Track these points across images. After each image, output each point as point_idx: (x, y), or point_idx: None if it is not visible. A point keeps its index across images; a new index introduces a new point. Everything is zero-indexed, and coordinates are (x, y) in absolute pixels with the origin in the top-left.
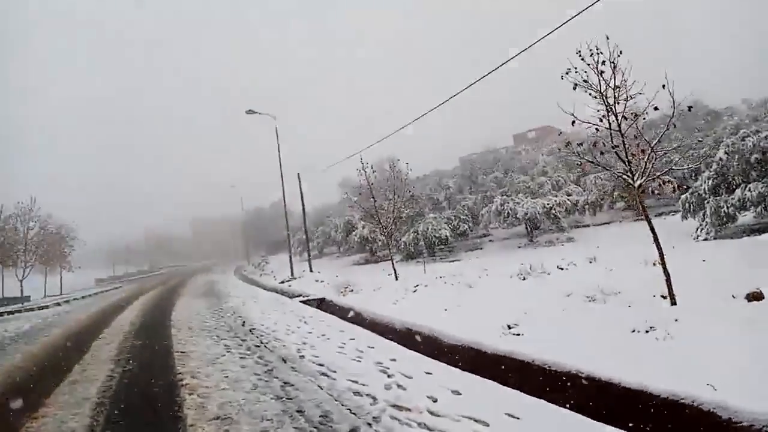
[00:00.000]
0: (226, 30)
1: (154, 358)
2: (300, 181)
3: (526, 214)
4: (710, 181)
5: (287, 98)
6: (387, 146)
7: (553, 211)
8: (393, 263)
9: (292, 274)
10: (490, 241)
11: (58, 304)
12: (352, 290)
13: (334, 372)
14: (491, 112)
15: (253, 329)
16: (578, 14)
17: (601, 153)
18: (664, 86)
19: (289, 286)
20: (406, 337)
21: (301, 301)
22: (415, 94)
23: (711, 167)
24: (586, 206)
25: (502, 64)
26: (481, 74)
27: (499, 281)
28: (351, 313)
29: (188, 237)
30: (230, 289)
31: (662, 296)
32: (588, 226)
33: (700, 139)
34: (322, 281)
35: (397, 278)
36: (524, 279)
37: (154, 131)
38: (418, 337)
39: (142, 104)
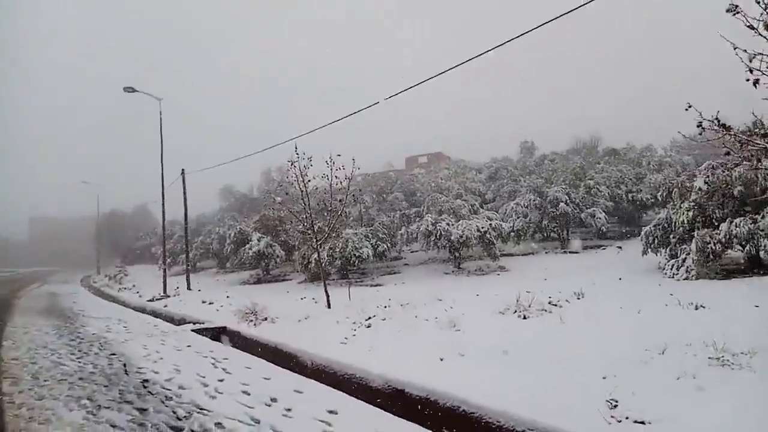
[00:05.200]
0: None
1: None
2: (184, 179)
3: (461, 236)
4: (690, 213)
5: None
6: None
7: (488, 236)
8: (326, 286)
9: (164, 290)
10: (406, 264)
11: None
12: (266, 319)
13: None
14: (385, 134)
15: (146, 382)
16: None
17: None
18: None
19: (164, 306)
20: (401, 403)
21: (193, 330)
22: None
23: (689, 198)
24: (512, 234)
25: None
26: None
27: (488, 319)
28: (283, 354)
29: (23, 240)
30: (82, 307)
31: None
32: (512, 255)
33: (619, 171)
34: (210, 303)
35: (330, 306)
36: (524, 317)
37: None
38: (428, 410)
39: None
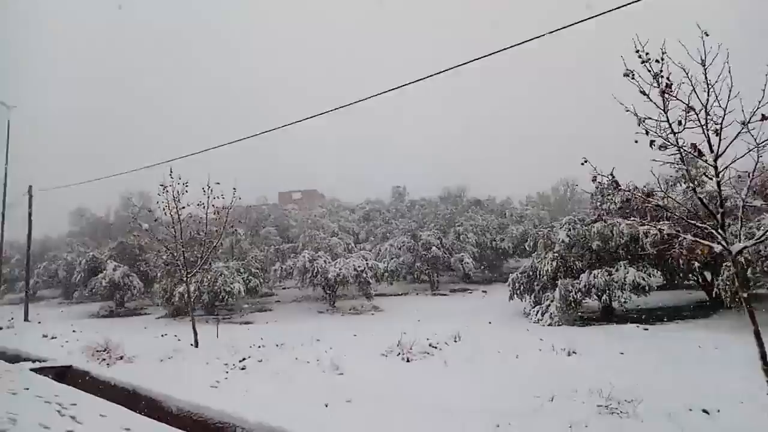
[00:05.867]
0: None
1: None
2: (31, 197)
3: (338, 275)
4: (553, 263)
5: None
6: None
7: (364, 275)
8: (194, 322)
9: None
10: (278, 301)
11: None
12: (121, 357)
13: None
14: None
15: None
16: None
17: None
18: None
19: None
20: None
21: (32, 369)
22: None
23: (553, 249)
24: (386, 274)
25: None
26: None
27: (371, 361)
28: (143, 399)
29: None
30: None
31: None
32: (384, 295)
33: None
34: (53, 337)
35: (197, 344)
36: (407, 360)
37: None
38: None
39: None
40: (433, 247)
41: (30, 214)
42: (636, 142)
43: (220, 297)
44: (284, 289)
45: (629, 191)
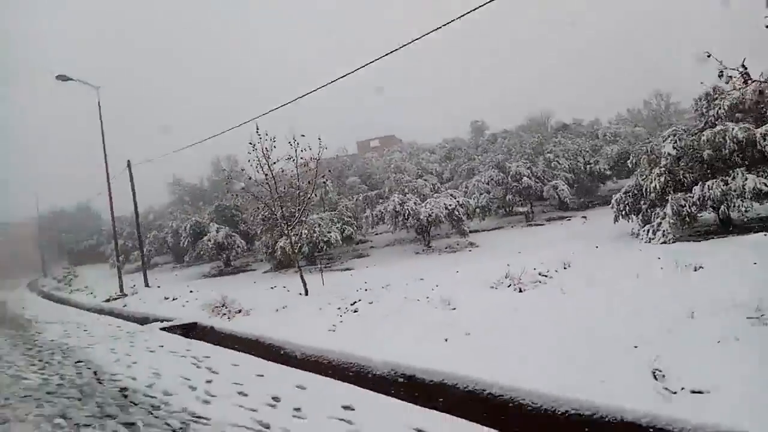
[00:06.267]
0: None
1: None
2: (131, 171)
3: (430, 215)
4: (661, 179)
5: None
6: (229, 147)
7: (456, 213)
8: (301, 273)
9: (120, 289)
10: (372, 247)
11: None
12: (239, 311)
13: None
14: (333, 120)
15: (125, 390)
16: None
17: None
18: None
19: (124, 306)
20: (415, 392)
21: (162, 329)
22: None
23: (659, 164)
24: (477, 210)
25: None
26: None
27: (481, 294)
28: (266, 348)
29: None
30: (36, 312)
31: None
32: (477, 231)
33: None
34: (174, 299)
35: (307, 293)
36: (519, 290)
37: None
38: (450, 397)
39: None
40: (524, 177)
41: (133, 188)
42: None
43: (319, 247)
44: (377, 234)
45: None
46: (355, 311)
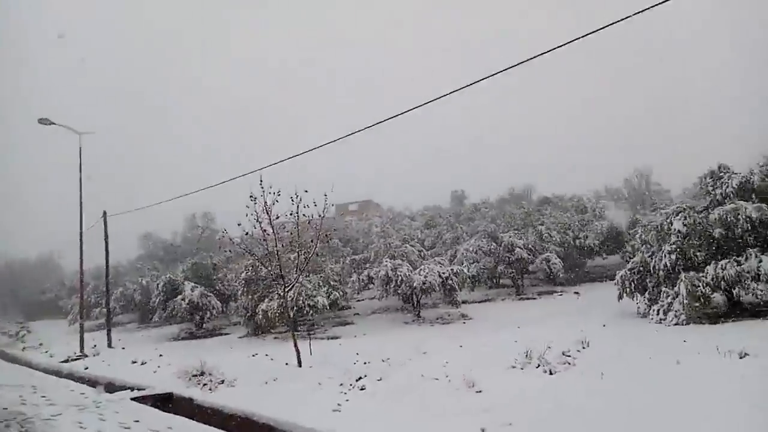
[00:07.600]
0: None
1: None
2: (106, 222)
3: (424, 282)
4: (672, 256)
5: None
6: (201, 203)
7: (450, 282)
8: (295, 340)
9: (81, 348)
10: (356, 314)
11: None
12: (222, 381)
13: None
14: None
15: None
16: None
17: None
18: None
19: (85, 368)
20: None
21: (133, 398)
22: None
23: (669, 241)
24: (468, 280)
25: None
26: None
27: (506, 376)
28: (259, 428)
29: None
30: None
31: None
32: (466, 302)
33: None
34: (142, 363)
35: (300, 363)
36: (550, 372)
37: None
38: None
39: None
40: (517, 249)
41: (106, 240)
42: None
43: (304, 311)
44: (359, 301)
45: None
46: (362, 389)
